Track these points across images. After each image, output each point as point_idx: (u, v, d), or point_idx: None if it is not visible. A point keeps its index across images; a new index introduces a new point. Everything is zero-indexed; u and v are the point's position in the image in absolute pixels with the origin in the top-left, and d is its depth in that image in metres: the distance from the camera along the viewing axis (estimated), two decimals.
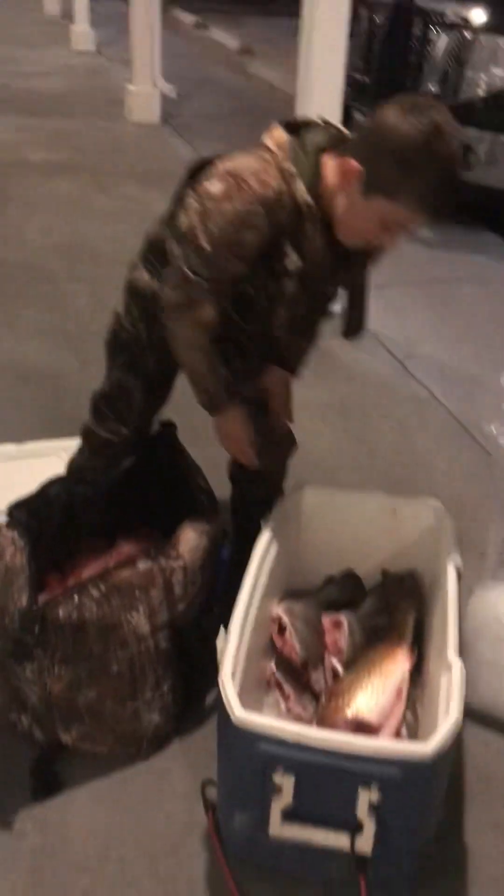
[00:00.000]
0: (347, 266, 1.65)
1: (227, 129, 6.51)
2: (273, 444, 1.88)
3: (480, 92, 4.11)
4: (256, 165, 1.47)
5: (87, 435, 1.92)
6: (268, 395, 1.87)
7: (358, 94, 4.77)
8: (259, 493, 1.90)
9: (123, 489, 1.91)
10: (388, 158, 1.40)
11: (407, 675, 1.63)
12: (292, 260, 1.54)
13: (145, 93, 6.47)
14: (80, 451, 1.96)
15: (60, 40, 9.57)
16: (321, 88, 3.12)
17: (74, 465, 1.95)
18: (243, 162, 1.49)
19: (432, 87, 4.29)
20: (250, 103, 7.50)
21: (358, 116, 4.87)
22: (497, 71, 4.06)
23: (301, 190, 1.48)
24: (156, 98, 6.52)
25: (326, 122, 1.57)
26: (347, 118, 4.87)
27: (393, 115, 1.40)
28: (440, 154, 1.39)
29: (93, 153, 5.74)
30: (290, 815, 1.34)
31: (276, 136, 1.51)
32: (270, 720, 1.35)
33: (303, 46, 3.10)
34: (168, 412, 1.97)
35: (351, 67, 4.70)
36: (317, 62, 3.06)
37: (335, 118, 3.20)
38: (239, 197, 1.44)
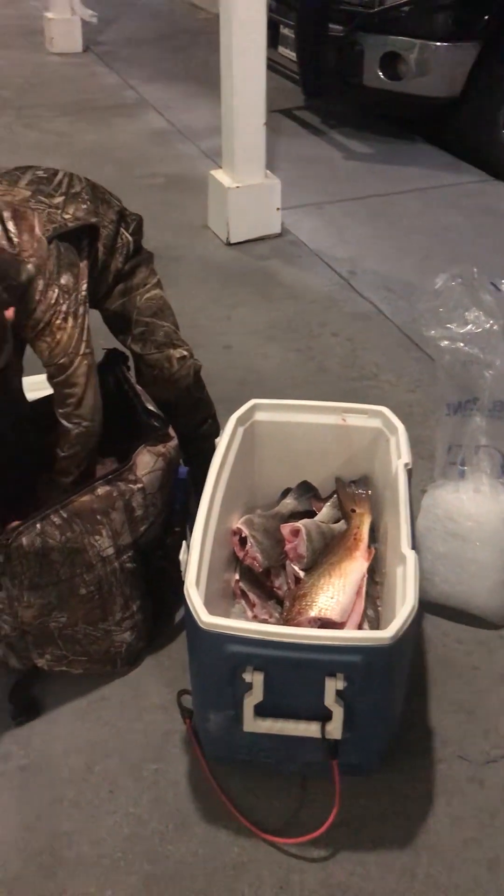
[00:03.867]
0: None
1: (152, 54, 6.33)
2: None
3: None
4: None
5: None
6: None
7: (284, 7, 4.66)
8: (178, 427, 1.90)
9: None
10: None
11: (366, 573, 1.69)
12: None
13: (64, 20, 6.22)
14: None
15: None
16: (244, 4, 3.04)
17: None
18: None
19: None
20: (174, 25, 7.27)
21: (285, 32, 4.76)
22: None
23: None
24: (76, 25, 6.28)
25: None
26: (275, 33, 4.76)
27: None
28: None
29: (16, 88, 5.55)
30: (262, 711, 1.41)
31: None
32: (236, 622, 1.40)
33: None
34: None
35: None
36: None
37: (260, 33, 3.14)
38: None
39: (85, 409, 1.67)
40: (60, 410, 1.68)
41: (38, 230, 1.58)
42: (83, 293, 1.63)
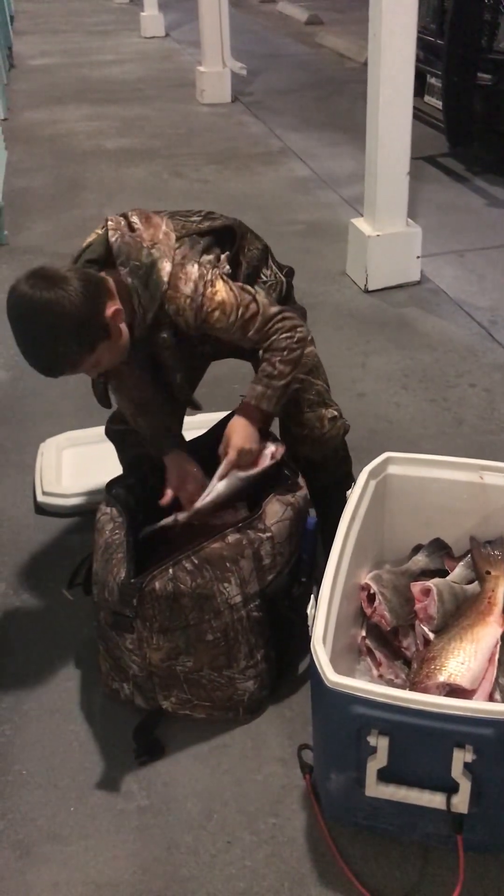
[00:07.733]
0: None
1: (297, 103, 6.48)
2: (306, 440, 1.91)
3: None
4: None
5: (107, 432, 2.11)
6: None
7: (431, 56, 4.68)
8: (319, 480, 1.90)
9: (208, 467, 1.95)
10: None
11: (499, 639, 1.63)
12: None
13: (215, 73, 6.48)
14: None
15: (130, 27, 9.68)
16: (392, 54, 3.08)
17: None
18: None
19: None
20: (320, 75, 7.43)
21: (432, 81, 4.77)
22: None
23: None
24: (226, 78, 6.52)
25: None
26: (422, 83, 4.78)
27: None
28: None
29: (167, 137, 5.80)
30: (385, 776, 1.37)
31: None
32: (363, 683, 1.38)
33: (372, 10, 3.06)
34: None
35: (423, 29, 4.63)
36: (387, 26, 3.02)
37: (407, 84, 3.16)
38: None
39: (287, 327, 1.66)
40: (277, 346, 1.66)
41: (164, 228, 1.65)
42: (226, 268, 1.67)
